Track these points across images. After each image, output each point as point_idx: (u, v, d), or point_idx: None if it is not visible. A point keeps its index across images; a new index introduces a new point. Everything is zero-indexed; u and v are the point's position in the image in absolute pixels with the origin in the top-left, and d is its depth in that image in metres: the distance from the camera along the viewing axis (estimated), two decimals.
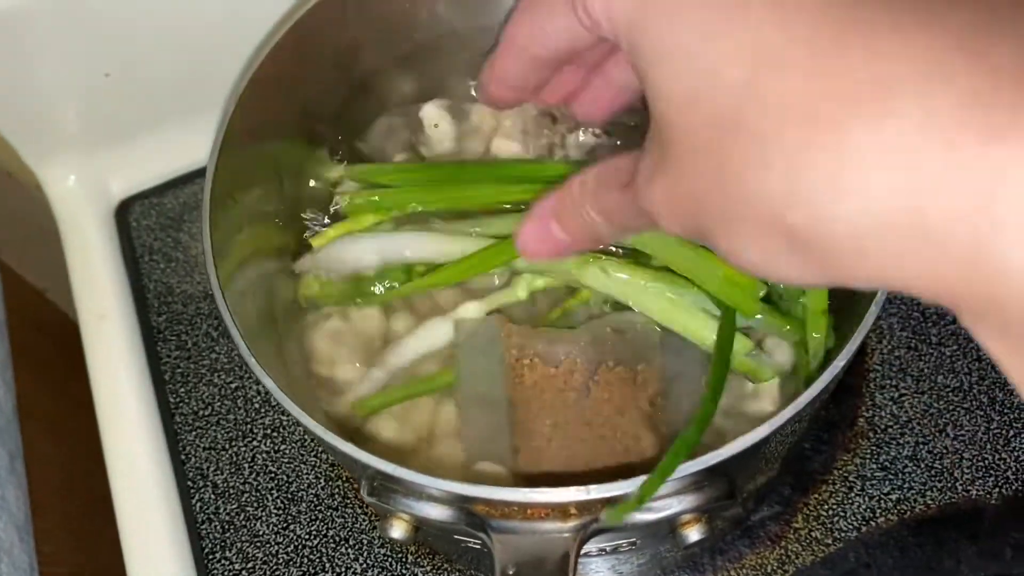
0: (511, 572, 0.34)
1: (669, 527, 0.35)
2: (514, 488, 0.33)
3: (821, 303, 0.44)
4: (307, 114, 0.50)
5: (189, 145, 0.66)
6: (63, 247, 0.65)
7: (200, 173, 0.67)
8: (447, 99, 0.54)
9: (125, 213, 0.67)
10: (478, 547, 0.38)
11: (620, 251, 0.47)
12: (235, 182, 0.45)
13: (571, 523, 0.34)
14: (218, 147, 0.43)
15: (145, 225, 0.67)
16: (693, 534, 0.35)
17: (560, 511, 0.34)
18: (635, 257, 0.47)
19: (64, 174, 0.66)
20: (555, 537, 0.34)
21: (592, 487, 0.33)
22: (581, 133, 0.53)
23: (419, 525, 0.37)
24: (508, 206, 0.49)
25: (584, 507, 0.34)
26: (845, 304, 0.41)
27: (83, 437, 0.65)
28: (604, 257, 0.46)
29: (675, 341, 0.45)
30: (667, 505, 0.34)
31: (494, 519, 0.34)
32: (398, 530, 0.37)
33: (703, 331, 0.44)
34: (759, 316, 0.44)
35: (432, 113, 0.54)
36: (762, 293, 0.44)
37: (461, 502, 0.35)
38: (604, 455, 0.42)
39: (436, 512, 0.35)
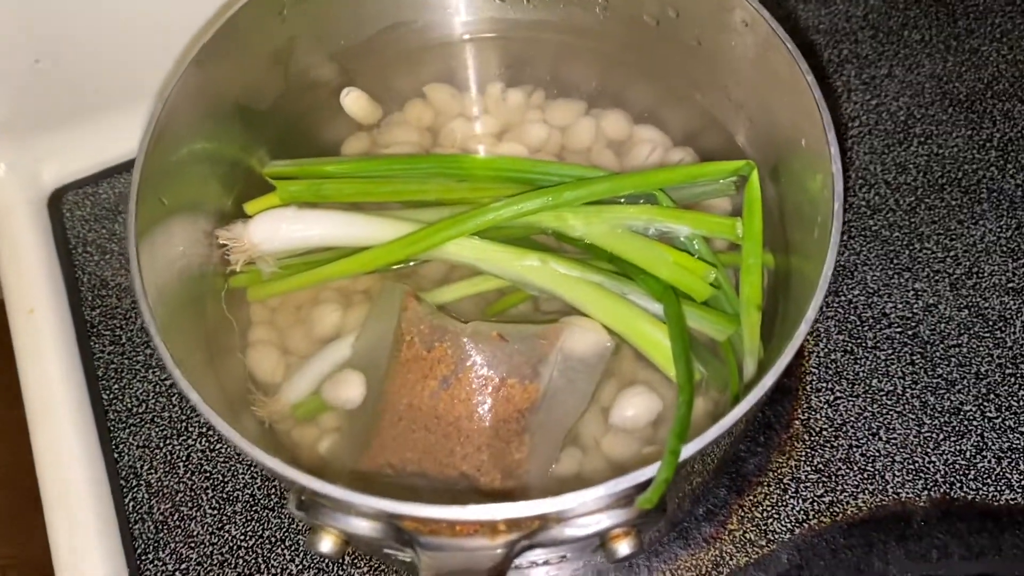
0: None
1: (599, 541, 0.35)
2: (442, 505, 0.33)
3: (756, 297, 0.44)
4: (242, 108, 0.49)
5: (125, 133, 0.65)
6: None
7: (134, 163, 0.66)
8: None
9: (58, 203, 0.65)
10: (409, 560, 0.37)
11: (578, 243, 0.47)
12: (165, 178, 0.44)
13: (500, 539, 0.34)
14: (146, 145, 0.42)
15: (79, 216, 0.65)
16: (623, 548, 0.35)
17: (489, 527, 0.34)
18: (592, 253, 0.47)
19: None
20: (484, 553, 0.34)
21: (523, 504, 0.33)
22: None
23: (348, 540, 0.36)
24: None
25: (514, 523, 0.34)
26: (788, 322, 0.42)
27: (11, 428, 0.63)
28: (549, 253, 0.46)
29: (575, 363, 0.45)
30: (596, 520, 0.34)
31: (422, 535, 0.34)
32: (327, 544, 0.36)
33: (637, 323, 0.44)
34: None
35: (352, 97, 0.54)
36: (712, 277, 0.45)
37: (389, 518, 0.34)
38: (441, 454, 0.42)
39: (365, 527, 0.35)
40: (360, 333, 0.47)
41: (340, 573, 0.54)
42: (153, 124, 0.41)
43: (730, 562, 0.54)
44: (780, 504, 0.55)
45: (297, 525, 0.55)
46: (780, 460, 0.56)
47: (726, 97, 0.50)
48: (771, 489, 0.55)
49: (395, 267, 0.50)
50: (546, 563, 0.42)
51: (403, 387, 0.43)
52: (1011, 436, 0.55)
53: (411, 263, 0.50)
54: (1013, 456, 0.55)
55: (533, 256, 0.46)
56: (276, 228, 0.48)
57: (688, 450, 0.33)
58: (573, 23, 0.53)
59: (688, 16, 0.48)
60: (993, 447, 0.55)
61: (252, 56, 0.48)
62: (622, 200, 0.48)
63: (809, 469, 0.55)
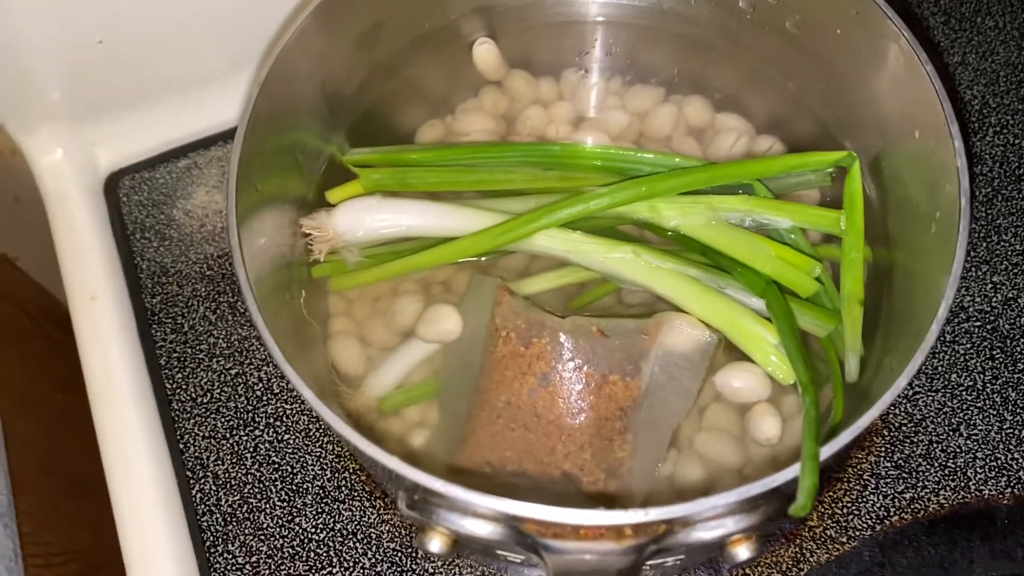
0: None
1: (720, 545, 0.35)
2: (569, 508, 0.32)
3: (858, 292, 0.43)
4: (327, 94, 0.48)
5: (182, 117, 0.64)
6: (50, 223, 0.61)
7: (192, 147, 0.65)
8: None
9: (114, 188, 0.64)
10: (519, 561, 0.36)
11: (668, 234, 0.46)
12: (258, 165, 0.43)
13: (625, 543, 0.33)
14: (244, 130, 0.41)
15: (136, 201, 0.64)
16: (742, 552, 0.35)
17: (615, 531, 0.33)
18: (683, 245, 0.46)
19: (50, 146, 0.62)
20: (613, 557, 0.33)
21: (652, 510, 0.32)
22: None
23: (458, 539, 0.35)
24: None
25: (641, 528, 0.33)
26: (897, 320, 0.41)
27: (65, 417, 0.62)
28: (642, 245, 0.45)
29: (676, 359, 0.43)
30: (722, 524, 0.33)
31: (545, 538, 0.33)
32: (437, 544, 0.35)
33: (737, 319, 0.43)
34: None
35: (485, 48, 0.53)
36: (817, 272, 0.44)
37: (510, 520, 0.33)
38: (542, 453, 0.41)
39: (483, 529, 0.34)
40: None
41: (413, 567, 0.53)
42: (250, 108, 0.40)
43: (811, 559, 0.53)
44: (860, 500, 0.54)
45: (369, 517, 0.54)
46: (859, 456, 0.55)
47: (822, 85, 0.49)
48: (851, 485, 0.54)
49: (476, 259, 0.49)
50: (662, 566, 0.41)
51: (500, 384, 0.42)
52: None
53: (493, 255, 0.49)
54: None
55: (625, 248, 0.45)
56: (360, 217, 0.47)
57: (825, 452, 0.32)
58: (662, 8, 0.52)
59: (789, 2, 0.46)
60: None
61: (339, 41, 0.46)
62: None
63: (889, 465, 0.54)
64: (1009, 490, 0.53)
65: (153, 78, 0.62)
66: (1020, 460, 0.54)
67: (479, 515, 0.34)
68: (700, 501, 0.32)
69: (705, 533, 0.33)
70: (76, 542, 0.67)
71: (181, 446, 0.57)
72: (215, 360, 0.59)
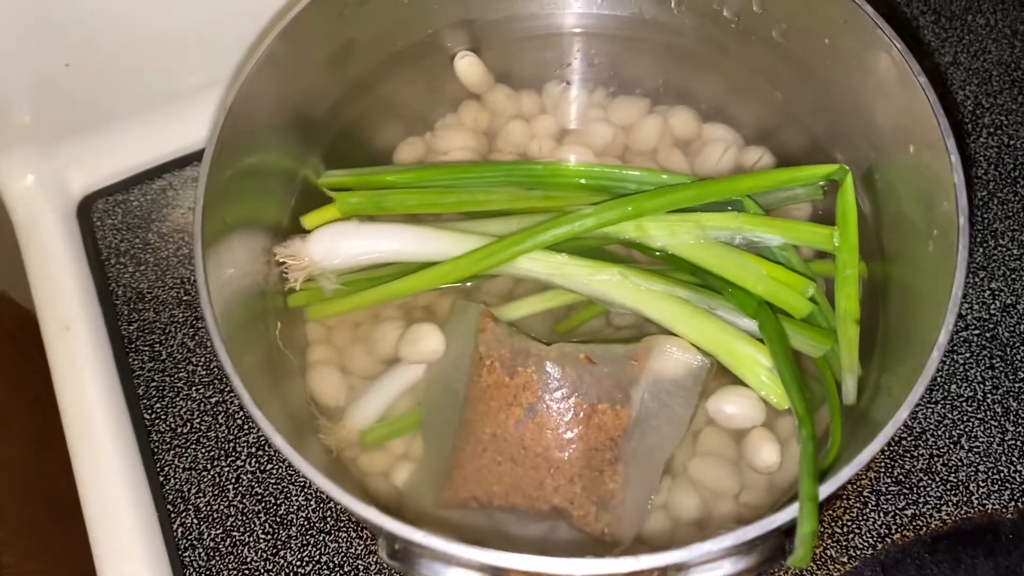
0: None
1: None
2: (555, 558, 0.30)
3: (854, 311, 0.42)
4: (299, 116, 0.46)
5: (155, 137, 0.62)
6: (21, 250, 0.60)
7: (166, 168, 0.63)
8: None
9: (88, 212, 0.62)
10: None
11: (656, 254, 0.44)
12: (226, 193, 0.41)
13: None
14: (210, 157, 0.39)
15: (110, 225, 0.62)
16: None
17: None
18: (672, 265, 0.44)
19: (20, 171, 0.60)
20: None
21: (644, 557, 0.30)
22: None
23: None
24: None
25: (633, 575, 0.31)
26: (894, 339, 0.39)
27: (41, 435, 0.60)
28: (629, 266, 0.44)
29: (667, 385, 0.42)
30: (718, 568, 0.32)
31: None
32: None
33: (729, 342, 0.42)
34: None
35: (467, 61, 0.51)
36: (810, 292, 0.42)
37: (495, 570, 0.32)
38: (530, 487, 0.40)
39: None
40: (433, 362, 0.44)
41: None
42: (216, 136, 0.38)
43: None
44: (861, 518, 0.52)
45: (356, 548, 0.53)
46: (859, 472, 0.53)
47: (811, 96, 0.47)
48: (850, 503, 0.53)
49: (459, 283, 0.47)
50: None
51: (485, 415, 0.40)
52: None
53: (476, 279, 0.47)
54: None
55: (612, 269, 0.44)
56: (337, 244, 0.45)
57: (825, 491, 0.31)
58: (644, 18, 0.50)
59: (774, 11, 0.45)
60: None
61: (311, 61, 0.45)
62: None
63: (889, 480, 0.53)
64: (1013, 504, 0.52)
65: (125, 98, 0.61)
66: (1023, 473, 0.52)
67: (463, 565, 0.32)
68: (695, 546, 0.30)
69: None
70: (60, 567, 0.66)
71: (161, 478, 0.55)
72: (194, 388, 0.57)
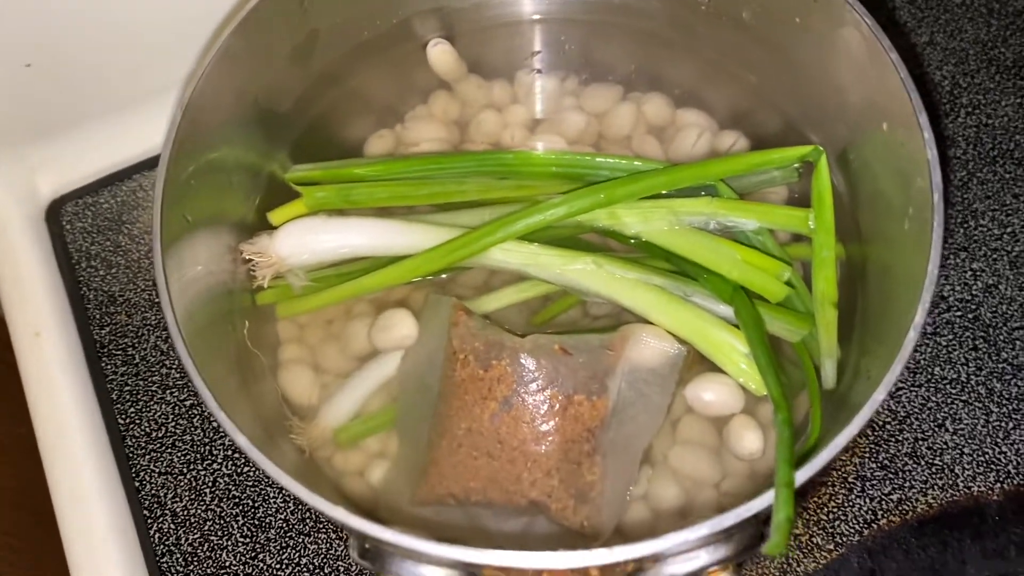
0: None
1: None
2: (526, 552, 0.30)
3: (831, 294, 0.41)
4: (262, 111, 0.45)
5: (123, 139, 0.61)
6: None
7: (136, 168, 0.62)
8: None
9: (57, 215, 0.61)
10: None
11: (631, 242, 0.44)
12: (187, 191, 0.41)
13: None
14: (167, 156, 0.38)
15: (80, 228, 0.61)
16: None
17: (580, 573, 0.31)
18: (646, 252, 0.43)
19: None
20: None
21: (618, 549, 0.29)
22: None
23: None
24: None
25: (608, 568, 0.30)
26: (873, 321, 0.38)
27: (18, 447, 0.59)
28: (603, 255, 0.43)
29: (644, 374, 0.41)
30: (695, 557, 0.31)
31: None
32: None
33: (706, 328, 0.41)
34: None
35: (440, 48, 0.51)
36: (786, 276, 0.42)
37: (467, 567, 0.31)
38: (507, 481, 0.39)
39: None
40: (406, 352, 0.43)
41: None
42: (174, 133, 0.37)
43: (798, 569, 0.51)
44: (846, 504, 0.52)
45: (335, 550, 0.52)
46: (843, 457, 0.53)
47: (784, 77, 0.46)
48: (836, 489, 0.52)
49: (432, 276, 0.46)
50: None
51: (460, 410, 0.40)
52: None
53: (450, 271, 0.46)
54: None
55: (586, 258, 0.43)
56: (305, 239, 0.44)
57: (801, 477, 0.30)
58: (613, 2, 0.49)
59: None
60: None
61: (272, 54, 0.44)
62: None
63: (874, 466, 0.53)
64: (999, 486, 0.52)
65: (91, 100, 0.60)
66: (1008, 454, 0.52)
67: (434, 563, 0.31)
68: (670, 536, 0.30)
69: (677, 568, 0.31)
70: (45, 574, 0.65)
71: (137, 484, 0.54)
72: (169, 392, 0.56)
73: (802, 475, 0.31)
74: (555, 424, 0.39)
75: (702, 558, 0.31)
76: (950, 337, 0.55)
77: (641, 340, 0.41)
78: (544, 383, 0.39)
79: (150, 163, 0.62)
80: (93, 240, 0.61)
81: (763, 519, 0.33)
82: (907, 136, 0.37)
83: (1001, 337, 0.55)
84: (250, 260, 0.44)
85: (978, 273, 0.56)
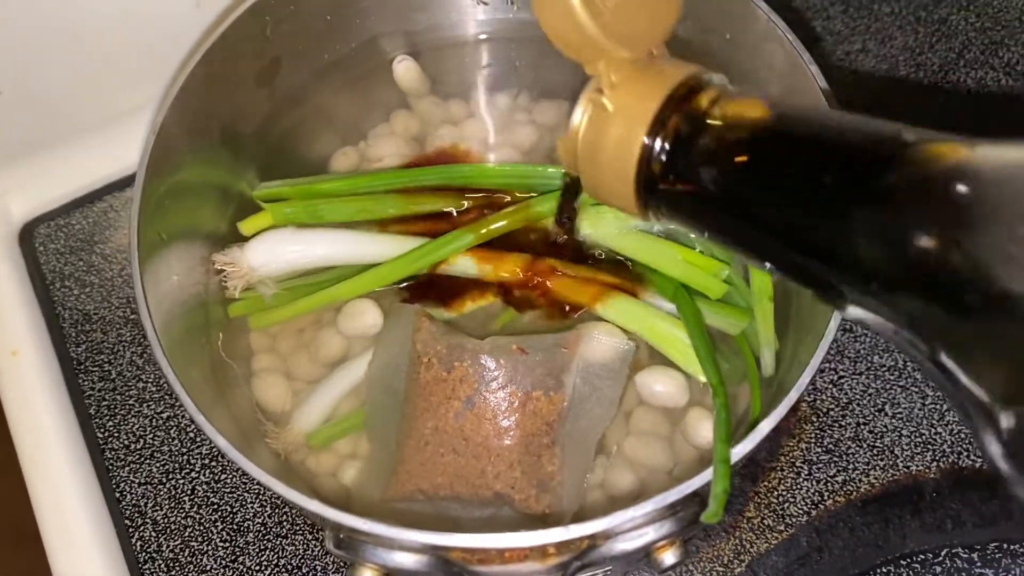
0: None
1: (644, 553, 0.35)
2: (491, 534, 0.32)
3: (767, 289, 0.44)
4: (229, 132, 0.48)
5: (93, 161, 0.63)
6: None
7: (107, 190, 0.64)
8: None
9: (30, 237, 0.63)
10: None
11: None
12: (160, 211, 0.43)
13: (551, 561, 0.34)
14: (142, 179, 0.40)
15: (53, 249, 0.63)
16: (669, 558, 0.35)
17: (539, 551, 0.33)
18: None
19: None
20: None
21: (572, 527, 0.32)
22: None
23: (389, 573, 0.36)
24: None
25: (564, 545, 0.33)
26: (805, 313, 0.42)
27: (2, 464, 0.61)
28: (558, 259, 0.46)
29: (597, 369, 0.44)
30: (644, 534, 0.34)
31: (472, 565, 0.33)
32: None
33: (653, 322, 0.44)
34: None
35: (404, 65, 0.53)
36: (724, 274, 0.45)
37: (435, 551, 0.34)
38: (473, 476, 0.42)
39: (410, 561, 0.34)
40: (373, 358, 0.46)
41: None
42: (147, 158, 0.40)
43: (751, 549, 0.54)
44: (795, 488, 0.55)
45: (313, 550, 0.54)
46: (791, 443, 0.56)
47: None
48: (785, 473, 0.55)
49: (400, 284, 0.49)
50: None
51: (426, 411, 0.42)
52: None
53: (416, 279, 0.49)
54: None
55: (542, 263, 0.46)
56: (275, 250, 0.46)
57: (735, 456, 0.33)
58: None
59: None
60: None
61: (238, 79, 0.46)
62: None
63: (820, 450, 0.56)
64: (935, 464, 0.55)
65: (61, 123, 0.61)
66: (943, 434, 0.55)
67: (404, 548, 0.34)
68: (618, 514, 0.33)
69: (627, 544, 0.34)
70: None
71: (118, 495, 0.56)
72: (146, 405, 0.58)
73: (737, 452, 0.34)
74: (515, 420, 0.42)
75: (650, 534, 0.34)
76: None
77: (593, 337, 0.44)
78: (504, 381, 0.42)
79: (120, 184, 0.63)
80: (66, 260, 0.62)
81: (705, 496, 0.35)
82: None
83: None
84: (222, 271, 0.46)
85: None
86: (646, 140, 0.29)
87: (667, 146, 0.29)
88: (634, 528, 0.34)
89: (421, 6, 0.52)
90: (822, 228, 0.26)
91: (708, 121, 0.29)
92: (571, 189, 0.39)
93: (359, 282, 0.47)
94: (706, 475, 0.34)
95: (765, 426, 0.34)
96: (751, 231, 0.28)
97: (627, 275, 0.45)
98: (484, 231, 0.46)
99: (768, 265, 0.29)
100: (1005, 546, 0.52)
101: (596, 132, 0.31)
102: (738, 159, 0.28)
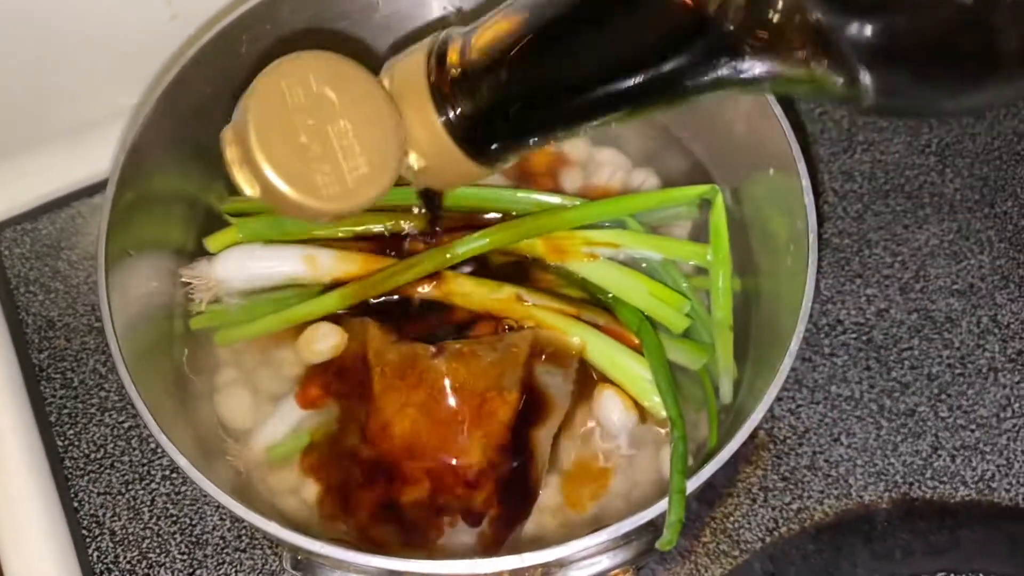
0: None
1: None
2: (446, 560, 0.33)
3: (727, 319, 0.45)
4: (201, 147, 0.48)
5: (62, 167, 0.62)
6: None
7: (75, 196, 0.63)
8: None
9: None
10: None
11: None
12: (129, 225, 0.43)
13: None
14: (112, 194, 0.40)
15: (18, 253, 0.62)
16: None
17: None
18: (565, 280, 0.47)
19: None
20: None
21: (526, 555, 0.33)
22: None
23: None
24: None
25: (518, 573, 0.34)
26: (764, 344, 0.42)
27: None
28: (521, 286, 0.46)
29: (547, 366, 0.45)
30: (597, 562, 0.35)
31: None
32: None
33: (615, 356, 0.45)
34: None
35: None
36: (687, 309, 0.46)
37: (392, 575, 0.34)
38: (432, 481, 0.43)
39: None
40: None
41: None
42: (118, 167, 0.40)
43: (705, 574, 0.55)
44: (750, 514, 0.56)
45: (271, 565, 0.54)
46: (747, 470, 0.57)
47: (691, 121, 0.51)
48: (740, 499, 0.56)
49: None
50: None
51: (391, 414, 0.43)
52: (962, 434, 0.57)
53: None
54: (965, 454, 0.57)
55: (508, 289, 0.46)
56: (242, 265, 0.47)
57: (691, 486, 0.34)
58: None
59: None
60: (947, 446, 0.57)
61: (211, 97, 0.46)
62: None
63: (776, 477, 0.57)
64: (887, 494, 0.56)
65: (30, 128, 0.61)
66: (896, 465, 0.57)
67: (360, 572, 0.34)
68: (573, 543, 0.33)
69: (582, 572, 0.34)
70: None
71: (76, 504, 0.56)
72: (107, 414, 0.58)
73: (692, 484, 0.34)
74: (472, 421, 0.43)
75: (604, 563, 0.35)
76: (846, 358, 0.60)
77: (542, 335, 0.44)
78: (458, 385, 0.43)
79: (89, 191, 0.63)
80: (32, 266, 0.62)
81: (659, 525, 0.36)
82: (788, 181, 0.41)
83: (892, 358, 0.59)
84: (189, 284, 0.46)
85: (871, 298, 0.61)
86: (443, 119, 0.33)
87: (462, 109, 0.32)
88: (588, 556, 0.34)
89: (397, 30, 0.53)
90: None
91: (474, 60, 0.32)
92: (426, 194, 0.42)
93: (324, 302, 0.47)
94: (661, 505, 0.34)
95: (723, 455, 0.34)
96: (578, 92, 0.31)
97: (591, 307, 0.46)
98: (448, 256, 0.47)
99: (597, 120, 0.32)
100: None
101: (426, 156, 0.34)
102: (516, 57, 0.31)
